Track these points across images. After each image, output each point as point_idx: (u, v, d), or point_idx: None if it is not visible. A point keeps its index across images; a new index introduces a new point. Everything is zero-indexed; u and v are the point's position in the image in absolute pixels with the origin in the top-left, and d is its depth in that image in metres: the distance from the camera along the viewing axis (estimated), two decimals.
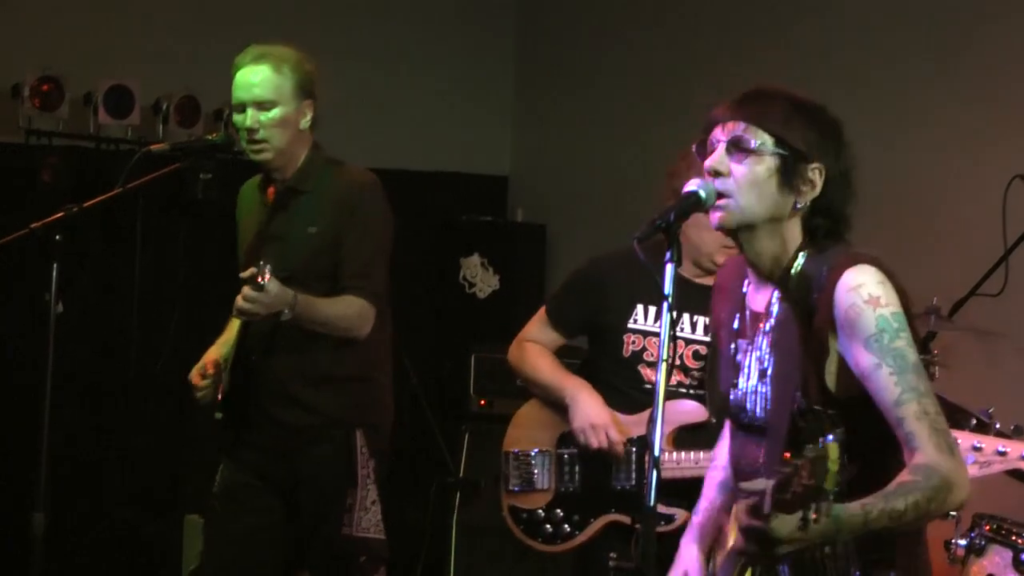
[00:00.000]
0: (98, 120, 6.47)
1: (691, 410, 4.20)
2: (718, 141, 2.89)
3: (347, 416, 4.42)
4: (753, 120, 2.87)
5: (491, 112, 7.99)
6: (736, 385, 3.01)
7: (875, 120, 5.99)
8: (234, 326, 4.54)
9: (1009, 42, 5.54)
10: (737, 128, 2.87)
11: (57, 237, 4.08)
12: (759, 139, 2.86)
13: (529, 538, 4.42)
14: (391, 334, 4.54)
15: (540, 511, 4.41)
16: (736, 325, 3.04)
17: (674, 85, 6.92)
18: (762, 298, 2.99)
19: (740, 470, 3.03)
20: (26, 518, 4.13)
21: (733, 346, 3.04)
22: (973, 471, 3.76)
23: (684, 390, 4.24)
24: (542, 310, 4.51)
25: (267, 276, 4.02)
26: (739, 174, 2.86)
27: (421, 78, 7.63)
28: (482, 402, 6.65)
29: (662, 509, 3.98)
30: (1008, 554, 4.04)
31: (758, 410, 2.96)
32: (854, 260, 2.84)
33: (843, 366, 2.81)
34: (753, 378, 2.97)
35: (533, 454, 4.44)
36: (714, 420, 3.38)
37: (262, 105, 4.33)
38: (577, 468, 4.37)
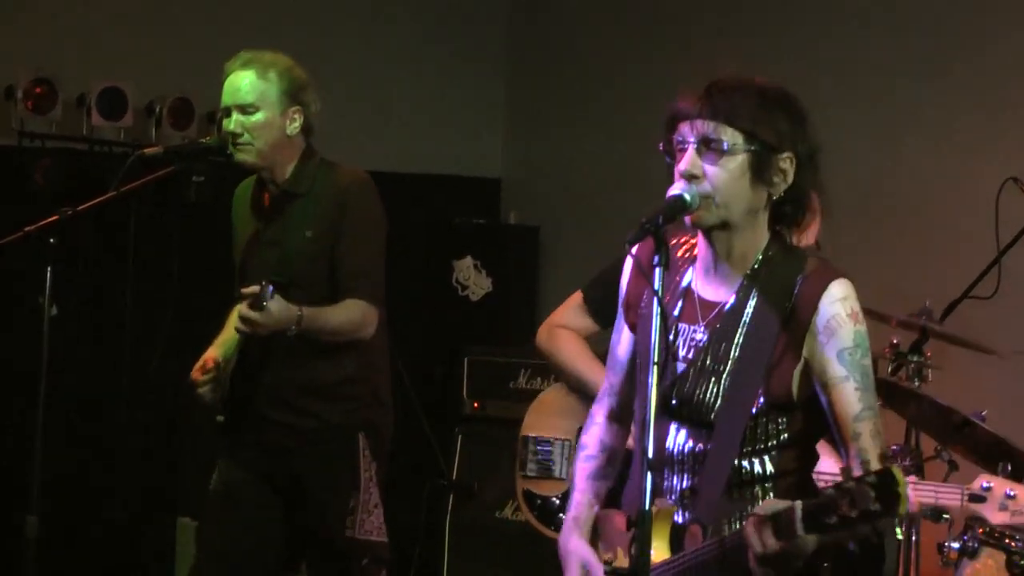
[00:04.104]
0: (91, 122, 6.46)
1: None
2: (687, 142, 2.86)
3: (349, 420, 4.42)
4: (723, 118, 2.84)
5: (484, 115, 7.99)
6: (675, 371, 2.95)
7: (869, 122, 6.01)
8: (231, 325, 4.53)
9: (1003, 45, 5.56)
10: (707, 128, 2.84)
11: (51, 240, 4.08)
12: (730, 138, 2.84)
13: (543, 525, 4.36)
14: (386, 335, 4.55)
15: (555, 499, 4.35)
16: (676, 311, 2.99)
17: (667, 87, 6.84)
18: (719, 289, 2.95)
19: (661, 458, 2.94)
20: (20, 521, 4.13)
21: (671, 334, 2.97)
22: (1004, 518, 3.71)
23: None
24: (577, 295, 4.38)
25: (269, 298, 4.02)
26: (713, 175, 2.84)
27: (413, 81, 7.63)
28: (475, 404, 6.65)
29: None
30: (1001, 557, 4.05)
31: (707, 404, 2.90)
32: (835, 272, 2.90)
33: (805, 371, 2.87)
34: (706, 370, 2.92)
35: (553, 441, 4.39)
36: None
37: (245, 109, 4.35)
38: None
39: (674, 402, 2.94)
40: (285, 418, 4.41)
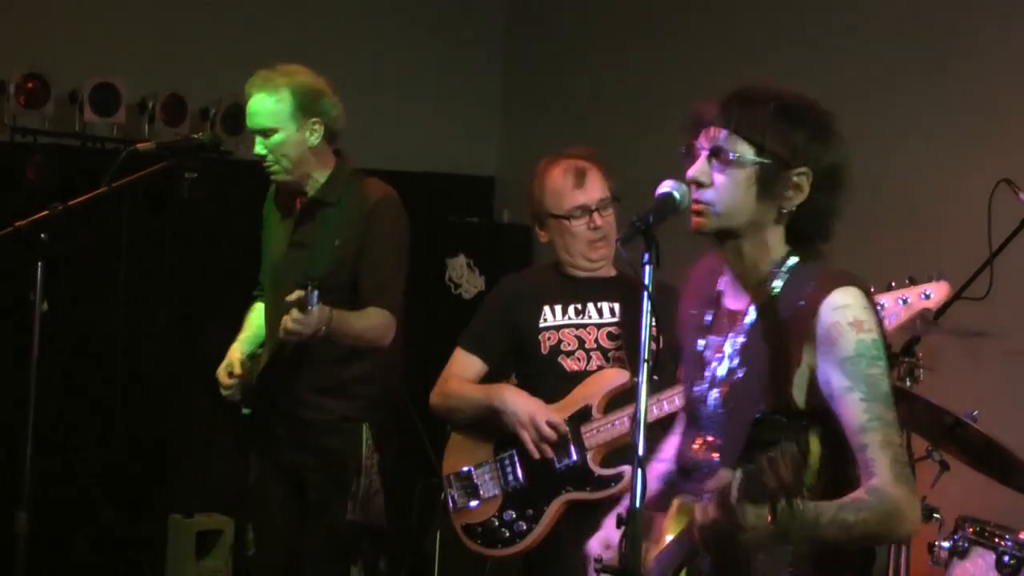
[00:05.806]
0: (84, 118, 6.45)
1: (613, 375, 4.32)
2: (702, 148, 2.88)
3: (356, 414, 4.57)
4: (735, 128, 2.84)
5: (478, 113, 7.99)
6: (702, 380, 3.00)
7: (861, 125, 5.99)
8: (252, 323, 4.73)
9: (996, 48, 5.57)
10: (719, 136, 2.85)
11: (42, 236, 4.08)
12: (738, 150, 2.83)
13: (489, 548, 4.38)
14: (403, 338, 4.64)
15: (493, 519, 4.38)
16: (709, 320, 3.03)
17: (660, 87, 6.92)
18: (741, 299, 2.97)
19: (685, 464, 3.03)
20: (10, 517, 4.12)
21: (703, 342, 3.03)
22: (885, 325, 3.94)
23: (607, 364, 4.36)
24: (457, 347, 4.58)
25: (315, 303, 4.12)
26: (719, 183, 2.85)
27: (408, 79, 7.63)
28: None
29: (606, 471, 4.24)
30: (991, 556, 4.05)
31: (719, 409, 2.94)
32: (842, 280, 2.82)
33: (813, 379, 2.80)
34: (720, 377, 2.96)
35: (474, 468, 4.44)
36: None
37: (264, 133, 4.46)
38: (519, 465, 4.38)
39: (701, 411, 2.99)
40: (294, 410, 4.55)
